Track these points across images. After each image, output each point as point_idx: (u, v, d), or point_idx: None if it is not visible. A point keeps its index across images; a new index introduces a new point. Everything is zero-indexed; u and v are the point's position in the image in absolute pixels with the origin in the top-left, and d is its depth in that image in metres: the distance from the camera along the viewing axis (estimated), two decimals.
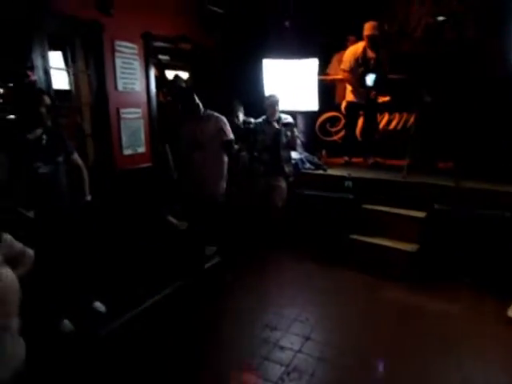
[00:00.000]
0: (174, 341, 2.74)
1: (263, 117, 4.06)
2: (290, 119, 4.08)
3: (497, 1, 4.29)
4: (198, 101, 3.26)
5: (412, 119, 4.60)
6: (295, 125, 4.26)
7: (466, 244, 3.41)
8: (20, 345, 1.54)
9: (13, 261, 1.48)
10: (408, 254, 3.55)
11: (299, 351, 2.59)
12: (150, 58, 4.02)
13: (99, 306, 3.00)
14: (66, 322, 2.75)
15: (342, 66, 4.58)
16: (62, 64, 3.55)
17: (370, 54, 4.42)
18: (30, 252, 1.51)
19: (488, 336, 2.71)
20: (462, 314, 2.98)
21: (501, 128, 3.89)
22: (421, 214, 3.69)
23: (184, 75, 5.27)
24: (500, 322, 2.84)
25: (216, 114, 3.32)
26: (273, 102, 3.96)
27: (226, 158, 3.40)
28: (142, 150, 4.00)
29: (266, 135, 3.97)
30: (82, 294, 2.91)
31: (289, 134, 4.01)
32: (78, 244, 2.77)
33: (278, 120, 3.98)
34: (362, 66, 4.43)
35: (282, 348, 2.63)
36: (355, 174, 4.23)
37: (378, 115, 4.94)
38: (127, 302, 3.09)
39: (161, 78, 5.09)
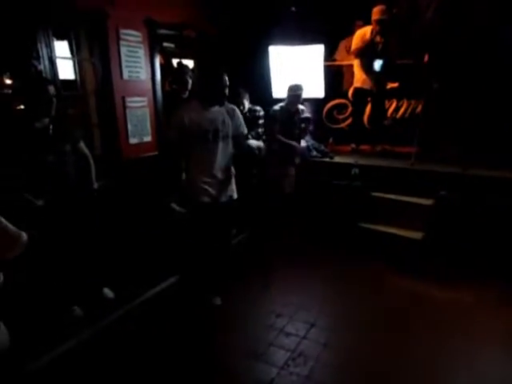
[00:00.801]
0: (180, 327, 2.79)
1: (281, 104, 4.00)
2: (307, 113, 4.11)
3: None
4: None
5: (420, 106, 4.53)
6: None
7: (471, 231, 3.39)
8: (2, 332, 1.56)
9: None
10: (416, 242, 3.55)
11: (304, 337, 2.62)
12: (154, 45, 3.99)
13: (108, 292, 3.06)
14: (76, 308, 2.81)
15: (352, 49, 4.52)
16: (67, 53, 3.55)
17: (378, 38, 4.34)
18: (24, 237, 1.51)
19: (494, 320, 2.72)
20: (470, 300, 2.97)
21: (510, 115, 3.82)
22: (428, 202, 3.67)
23: (189, 63, 5.23)
24: (506, 308, 2.84)
25: (232, 105, 2.89)
26: (297, 94, 3.92)
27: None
28: (148, 138, 4.01)
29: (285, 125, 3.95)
30: (91, 280, 2.96)
31: (303, 125, 4.05)
32: (87, 232, 2.81)
33: (297, 111, 4.00)
34: (369, 50, 4.36)
35: (287, 334, 2.66)
36: (363, 161, 4.21)
37: (386, 102, 4.88)
38: (134, 289, 3.14)
39: (167, 66, 5.06)
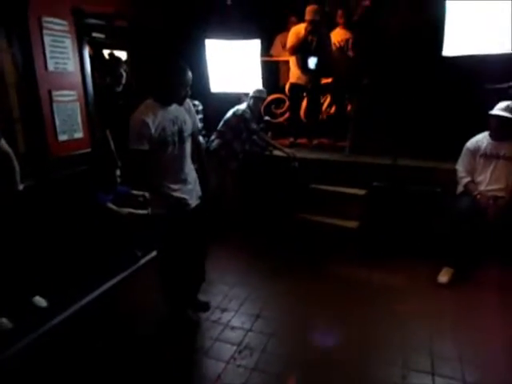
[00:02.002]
0: (121, 333, 2.69)
1: (245, 105, 4.15)
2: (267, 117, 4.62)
3: None
4: None
5: (353, 101, 4.75)
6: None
7: (400, 219, 3.64)
8: None
9: None
10: (352, 231, 3.74)
11: (250, 330, 2.65)
12: (83, 36, 3.76)
13: (39, 300, 2.85)
14: (4, 320, 2.59)
15: (287, 46, 4.60)
16: None
17: (310, 37, 4.46)
18: None
19: (423, 300, 2.95)
20: (401, 283, 3.19)
21: (434, 109, 4.12)
22: (362, 192, 3.88)
23: (121, 54, 5.00)
24: (432, 288, 3.10)
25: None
26: (263, 97, 4.26)
27: None
28: (79, 135, 3.78)
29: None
30: (20, 288, 2.74)
31: (261, 125, 4.42)
32: (11, 236, 2.59)
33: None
34: (304, 47, 4.47)
35: (232, 328, 2.67)
36: (300, 154, 4.32)
37: (321, 97, 5.05)
38: (69, 295, 2.96)
39: (97, 57, 4.79)
